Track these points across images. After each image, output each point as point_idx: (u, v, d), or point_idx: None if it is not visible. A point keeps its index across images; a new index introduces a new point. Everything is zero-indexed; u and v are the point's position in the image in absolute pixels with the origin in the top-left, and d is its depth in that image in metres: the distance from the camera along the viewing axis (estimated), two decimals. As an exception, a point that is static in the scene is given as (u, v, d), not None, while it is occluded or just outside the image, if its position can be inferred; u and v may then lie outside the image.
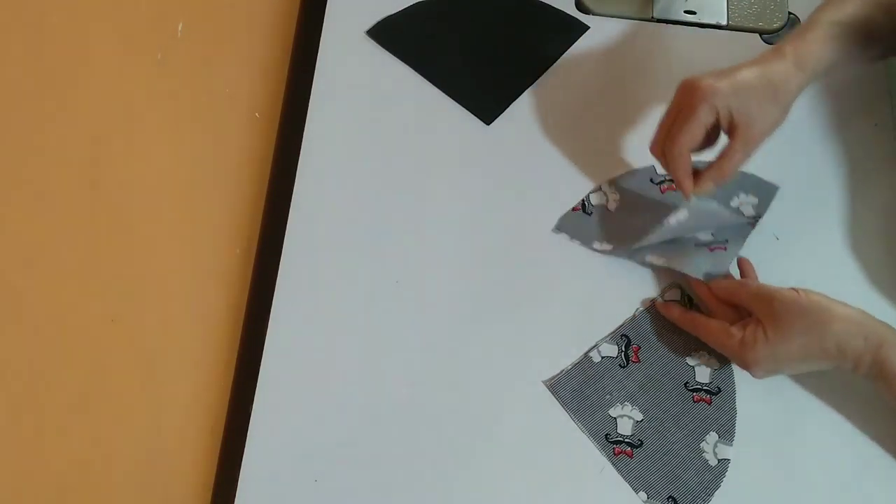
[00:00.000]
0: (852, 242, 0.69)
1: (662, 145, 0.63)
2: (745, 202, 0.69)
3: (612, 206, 0.70)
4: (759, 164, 0.66)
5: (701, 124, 0.61)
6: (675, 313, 0.66)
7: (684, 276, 0.66)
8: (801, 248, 0.69)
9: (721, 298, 0.64)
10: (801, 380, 0.64)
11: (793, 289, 0.59)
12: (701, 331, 0.64)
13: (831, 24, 0.62)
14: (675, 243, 0.67)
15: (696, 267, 0.65)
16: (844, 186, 0.71)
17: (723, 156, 0.62)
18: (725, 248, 0.66)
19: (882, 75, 0.76)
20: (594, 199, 0.71)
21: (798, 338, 0.58)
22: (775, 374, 0.61)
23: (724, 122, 0.61)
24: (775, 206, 0.70)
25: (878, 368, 0.57)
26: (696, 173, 0.64)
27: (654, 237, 0.66)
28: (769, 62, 0.61)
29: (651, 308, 0.67)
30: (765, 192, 0.70)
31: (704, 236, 0.67)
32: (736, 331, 0.61)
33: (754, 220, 0.68)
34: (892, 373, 0.56)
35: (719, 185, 0.63)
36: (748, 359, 0.60)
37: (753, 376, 0.61)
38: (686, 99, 0.61)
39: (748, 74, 0.61)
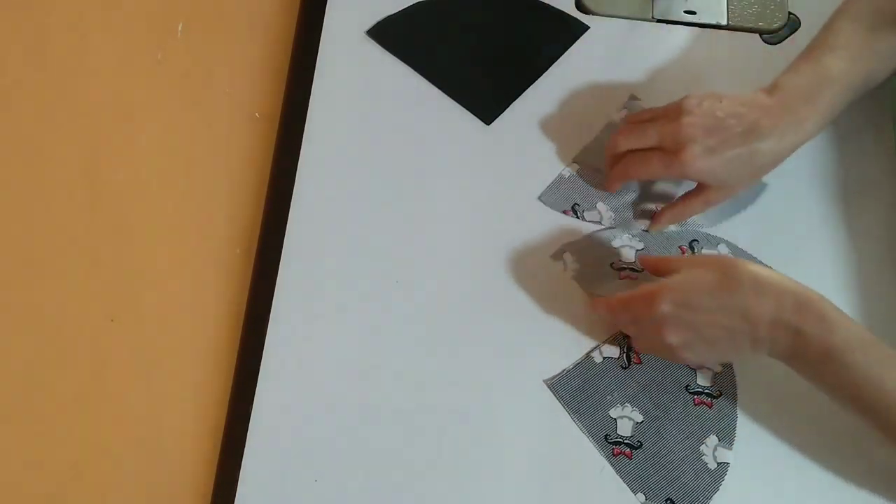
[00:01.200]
0: (851, 243, 0.69)
1: (623, 159, 0.65)
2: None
3: (569, 273, 0.69)
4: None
5: (660, 174, 0.62)
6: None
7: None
8: (801, 247, 0.69)
9: (651, 269, 0.63)
10: (803, 386, 0.64)
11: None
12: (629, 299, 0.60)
13: (851, 91, 0.61)
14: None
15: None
16: (843, 186, 0.71)
17: (685, 201, 0.65)
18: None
19: (882, 76, 0.76)
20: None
21: (708, 293, 0.55)
22: (684, 333, 0.56)
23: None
24: (774, 205, 0.70)
25: (791, 338, 0.52)
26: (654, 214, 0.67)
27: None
28: (763, 126, 0.58)
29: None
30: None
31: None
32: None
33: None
34: (815, 344, 0.51)
35: (676, 223, 0.66)
36: (660, 298, 0.56)
37: (652, 315, 0.57)
38: (672, 154, 0.60)
39: (734, 149, 0.59)
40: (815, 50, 0.62)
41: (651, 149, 0.63)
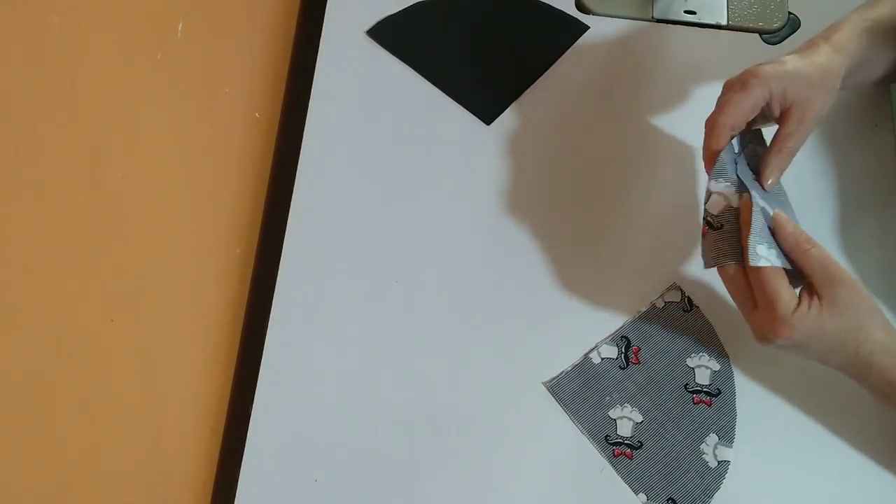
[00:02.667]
0: (851, 243, 0.69)
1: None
2: None
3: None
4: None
5: (748, 104, 0.59)
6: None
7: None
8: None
9: (783, 243, 0.57)
10: (802, 381, 0.64)
11: (850, 275, 0.56)
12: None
13: (863, 20, 0.63)
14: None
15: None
16: (844, 186, 0.71)
17: (780, 137, 0.61)
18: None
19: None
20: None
21: (844, 331, 0.55)
22: (794, 352, 0.57)
23: (775, 106, 0.60)
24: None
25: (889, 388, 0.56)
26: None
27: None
28: (809, 51, 0.62)
29: (651, 309, 0.67)
30: None
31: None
32: (790, 292, 0.55)
33: None
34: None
35: (783, 171, 0.61)
36: (791, 321, 0.54)
37: (769, 342, 0.56)
38: (738, 83, 0.60)
39: (795, 61, 0.61)
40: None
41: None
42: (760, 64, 0.61)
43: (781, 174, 0.62)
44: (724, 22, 0.79)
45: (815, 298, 0.55)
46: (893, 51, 0.64)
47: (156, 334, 0.56)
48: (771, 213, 0.59)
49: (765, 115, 0.62)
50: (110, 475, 0.51)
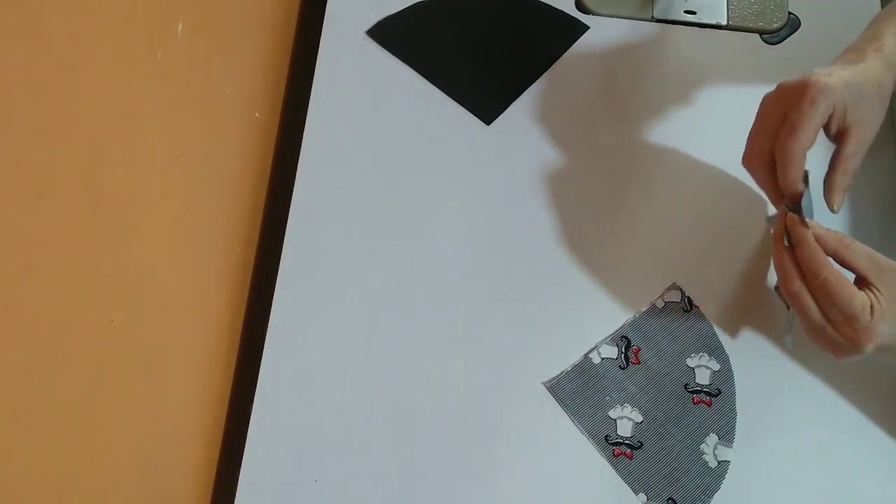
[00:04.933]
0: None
1: (771, 151, 0.58)
2: None
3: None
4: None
5: (818, 122, 0.55)
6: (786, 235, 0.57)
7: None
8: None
9: (827, 250, 0.55)
10: (802, 381, 0.64)
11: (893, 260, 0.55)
12: (814, 273, 0.54)
13: None
14: None
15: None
16: (845, 187, 0.71)
17: (843, 158, 0.58)
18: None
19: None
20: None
21: None
22: (878, 352, 0.54)
23: (836, 122, 0.57)
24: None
25: None
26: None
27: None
28: (860, 61, 0.58)
29: (651, 309, 0.67)
30: None
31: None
32: (858, 292, 0.53)
33: None
34: None
35: (847, 191, 0.59)
36: (874, 327, 0.53)
37: (854, 354, 0.54)
38: (797, 96, 0.56)
39: (851, 72, 0.57)
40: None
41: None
42: (815, 75, 0.56)
43: (846, 193, 0.59)
44: (724, 22, 0.79)
45: (875, 293, 0.53)
46: None
47: (156, 334, 0.56)
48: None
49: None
50: (110, 475, 0.51)
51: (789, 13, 0.79)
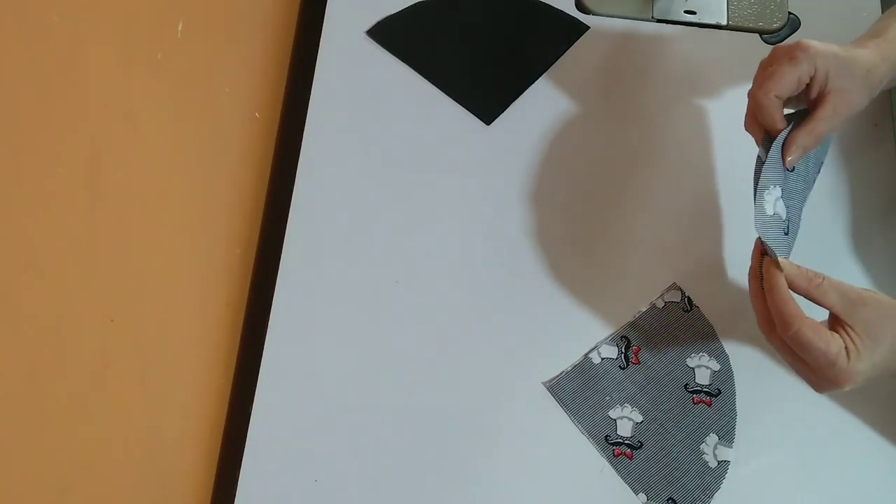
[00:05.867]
0: (851, 243, 0.69)
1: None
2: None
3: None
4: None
5: (797, 74, 0.58)
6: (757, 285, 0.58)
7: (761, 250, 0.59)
8: (800, 248, 0.69)
9: (798, 291, 0.56)
10: (802, 381, 0.64)
11: (865, 290, 0.55)
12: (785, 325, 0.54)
13: None
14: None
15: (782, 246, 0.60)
16: (844, 186, 0.71)
17: (813, 119, 0.60)
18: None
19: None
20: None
21: (889, 344, 0.54)
22: (866, 383, 0.55)
23: (817, 85, 0.59)
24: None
25: None
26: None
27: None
28: (857, 49, 0.60)
29: (651, 309, 0.67)
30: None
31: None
32: (832, 337, 0.53)
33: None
34: None
35: (806, 152, 0.60)
36: (850, 369, 0.53)
37: (840, 388, 0.54)
38: (786, 51, 0.59)
39: (845, 52, 0.59)
40: None
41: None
42: (808, 40, 0.59)
43: (804, 154, 0.60)
44: (724, 22, 0.79)
45: (849, 331, 0.54)
46: None
47: (156, 334, 0.56)
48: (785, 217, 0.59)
49: (798, 97, 0.60)
50: (110, 475, 0.51)
51: (789, 13, 0.79)
